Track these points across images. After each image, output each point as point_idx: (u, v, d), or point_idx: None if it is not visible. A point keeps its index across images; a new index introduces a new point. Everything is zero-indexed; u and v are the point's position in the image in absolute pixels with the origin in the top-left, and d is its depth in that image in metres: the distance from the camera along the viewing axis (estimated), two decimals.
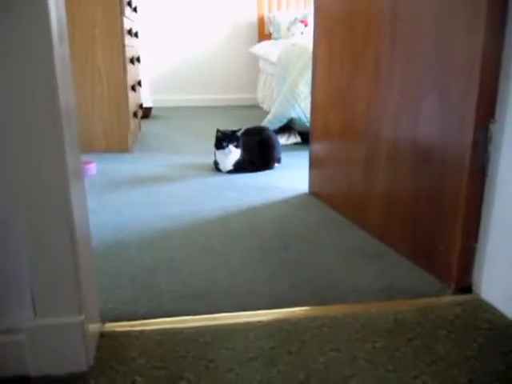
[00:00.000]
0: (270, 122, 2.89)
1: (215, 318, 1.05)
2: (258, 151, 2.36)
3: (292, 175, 2.26)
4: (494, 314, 1.08)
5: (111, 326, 1.01)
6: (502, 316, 1.07)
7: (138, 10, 3.21)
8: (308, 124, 2.42)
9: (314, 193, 1.94)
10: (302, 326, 1.02)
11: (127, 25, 2.67)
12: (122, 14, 2.53)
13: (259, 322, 1.03)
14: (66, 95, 0.82)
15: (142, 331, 1.00)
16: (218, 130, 2.28)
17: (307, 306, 1.12)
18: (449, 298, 1.16)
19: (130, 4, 2.77)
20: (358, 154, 1.59)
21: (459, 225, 1.15)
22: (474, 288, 1.18)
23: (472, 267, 1.18)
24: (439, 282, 1.22)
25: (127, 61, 2.62)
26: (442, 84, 1.18)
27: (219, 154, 2.28)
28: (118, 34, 2.54)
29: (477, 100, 1.07)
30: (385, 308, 1.10)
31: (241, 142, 2.28)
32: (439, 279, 1.23)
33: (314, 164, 1.96)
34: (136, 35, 3.10)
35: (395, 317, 1.06)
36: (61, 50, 0.80)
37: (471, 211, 1.14)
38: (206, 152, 2.51)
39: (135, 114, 2.88)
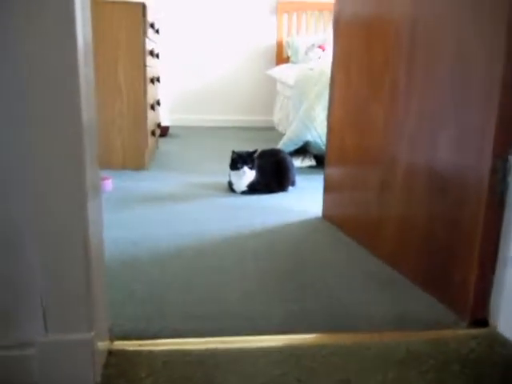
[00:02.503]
0: (285, 145, 2.91)
1: (225, 341, 1.04)
2: (272, 173, 2.37)
3: (306, 198, 2.26)
4: (511, 350, 1.05)
5: (120, 345, 1.01)
6: None
7: (160, 31, 3.28)
8: (323, 147, 2.42)
9: (327, 216, 1.93)
10: (312, 353, 1.00)
11: (149, 46, 2.73)
12: (144, 35, 2.59)
13: (269, 347, 1.02)
14: (89, 112, 0.84)
15: (150, 351, 0.99)
16: (233, 152, 2.29)
17: (318, 332, 1.11)
18: (463, 331, 1.13)
19: (152, 26, 2.83)
20: (373, 179, 1.58)
21: (476, 255, 1.13)
22: (491, 321, 1.15)
23: (488, 299, 1.15)
24: (454, 313, 1.20)
25: (148, 80, 2.67)
26: (460, 111, 1.18)
27: (234, 174, 2.30)
28: (140, 55, 2.59)
29: (495, 128, 1.07)
30: (397, 338, 1.08)
31: (256, 164, 2.30)
32: (454, 310, 1.20)
33: (328, 187, 1.95)
34: (157, 56, 3.17)
35: (407, 348, 1.04)
36: (86, 69, 0.82)
37: (488, 241, 1.12)
38: (221, 172, 2.52)
39: (153, 133, 2.92)
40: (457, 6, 1.18)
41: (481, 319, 1.15)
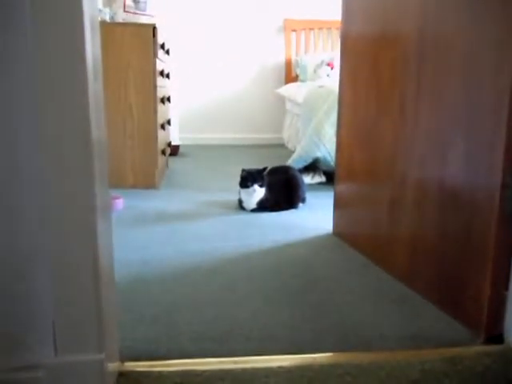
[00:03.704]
0: (295, 161, 2.91)
1: (235, 362, 1.03)
2: (282, 190, 2.37)
3: (316, 215, 2.25)
4: None
5: (130, 366, 1.00)
6: None
7: (170, 52, 3.33)
8: (333, 164, 2.42)
9: (338, 233, 1.92)
10: (324, 374, 0.99)
11: (159, 66, 2.78)
12: (155, 56, 2.64)
13: (280, 367, 1.00)
14: (98, 131, 0.85)
15: (160, 372, 0.98)
16: (243, 170, 2.30)
17: (329, 351, 1.09)
18: (478, 348, 1.11)
19: (163, 47, 2.88)
20: (384, 196, 1.57)
21: (488, 271, 1.12)
22: (506, 337, 1.12)
23: (503, 315, 1.13)
24: (468, 330, 1.18)
25: (158, 100, 2.71)
26: (470, 126, 1.17)
27: (243, 192, 2.30)
28: (151, 75, 2.63)
29: (505, 143, 1.06)
30: (411, 357, 1.06)
31: (266, 181, 2.30)
32: (468, 327, 1.18)
33: (338, 204, 1.95)
34: (168, 76, 3.21)
35: (422, 366, 1.02)
36: (95, 88, 0.83)
37: (501, 257, 1.11)
38: (231, 190, 2.53)
39: (163, 152, 2.94)
40: (464, 21, 1.19)
41: (496, 335, 1.13)
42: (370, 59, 1.66)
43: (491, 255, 1.11)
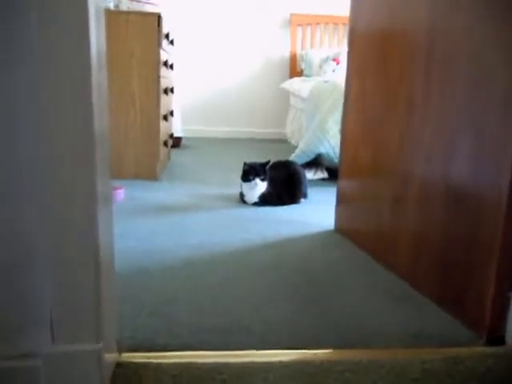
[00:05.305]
0: (297, 157, 2.90)
1: (234, 355, 1.02)
2: (284, 185, 2.35)
3: (318, 211, 2.23)
4: None
5: (128, 357, 0.99)
6: None
7: (174, 42, 3.31)
8: (336, 160, 2.41)
9: (339, 230, 1.91)
10: (324, 370, 0.98)
11: (163, 57, 2.75)
12: (159, 46, 2.61)
13: (280, 362, 0.99)
14: (101, 121, 0.83)
15: (158, 364, 0.97)
16: (245, 163, 2.29)
17: (330, 348, 1.08)
18: (480, 349, 1.09)
19: (167, 37, 2.86)
20: (387, 193, 1.56)
21: (493, 272, 1.10)
22: (508, 339, 1.11)
23: (506, 317, 1.12)
24: (470, 330, 1.16)
25: (161, 91, 2.69)
26: (478, 125, 1.16)
27: (245, 186, 2.29)
28: (154, 66, 2.61)
29: None
30: (412, 355, 1.05)
31: (268, 176, 2.29)
32: (470, 328, 1.17)
33: (341, 200, 1.93)
34: (171, 67, 3.19)
35: (423, 366, 1.01)
36: (99, 77, 0.81)
37: (506, 258, 1.09)
38: (233, 183, 2.52)
39: (165, 143, 2.93)
40: (473, 18, 1.17)
41: (498, 337, 1.12)
42: (377, 54, 1.64)
43: (496, 256, 1.09)
